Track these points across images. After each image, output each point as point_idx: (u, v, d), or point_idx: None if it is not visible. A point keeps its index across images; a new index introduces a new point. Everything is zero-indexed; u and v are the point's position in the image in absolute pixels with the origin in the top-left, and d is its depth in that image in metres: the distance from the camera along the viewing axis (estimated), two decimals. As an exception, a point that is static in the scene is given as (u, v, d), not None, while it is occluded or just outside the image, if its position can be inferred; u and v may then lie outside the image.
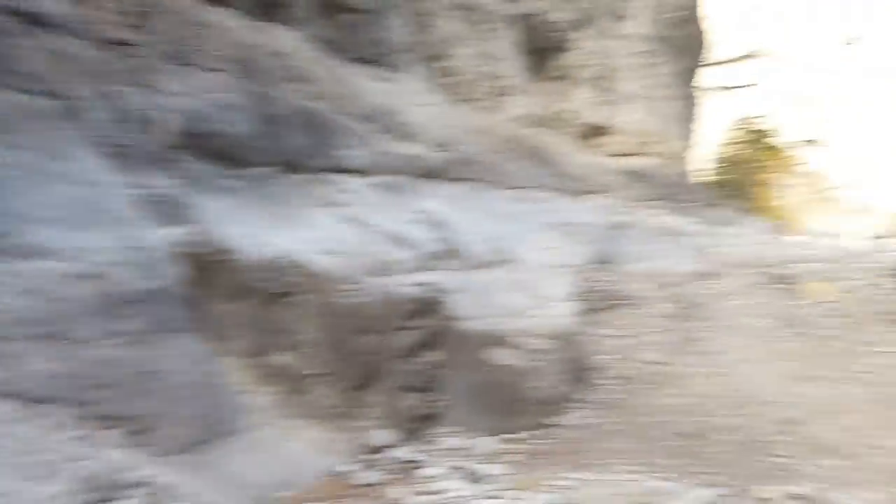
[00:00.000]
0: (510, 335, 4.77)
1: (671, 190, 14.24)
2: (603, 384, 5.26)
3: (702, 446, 4.33)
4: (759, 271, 8.45)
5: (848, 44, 61.21)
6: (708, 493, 3.67)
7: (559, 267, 6.25)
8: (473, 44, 10.10)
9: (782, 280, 8.22)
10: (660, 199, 13.25)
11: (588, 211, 8.05)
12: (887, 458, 4.17)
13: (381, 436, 4.24)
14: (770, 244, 12.51)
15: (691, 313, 6.91)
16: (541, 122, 12.47)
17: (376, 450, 4.18)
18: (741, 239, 13.18)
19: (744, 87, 63.83)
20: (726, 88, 55.38)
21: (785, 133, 58.87)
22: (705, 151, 36.35)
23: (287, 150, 4.89)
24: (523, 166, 8.51)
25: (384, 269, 4.61)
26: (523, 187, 7.52)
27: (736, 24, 65.76)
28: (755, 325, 6.81)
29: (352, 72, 6.66)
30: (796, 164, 61.69)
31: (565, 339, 5.14)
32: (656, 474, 3.93)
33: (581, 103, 13.66)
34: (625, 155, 14.37)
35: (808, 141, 61.96)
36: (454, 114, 7.89)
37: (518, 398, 4.60)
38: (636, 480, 3.81)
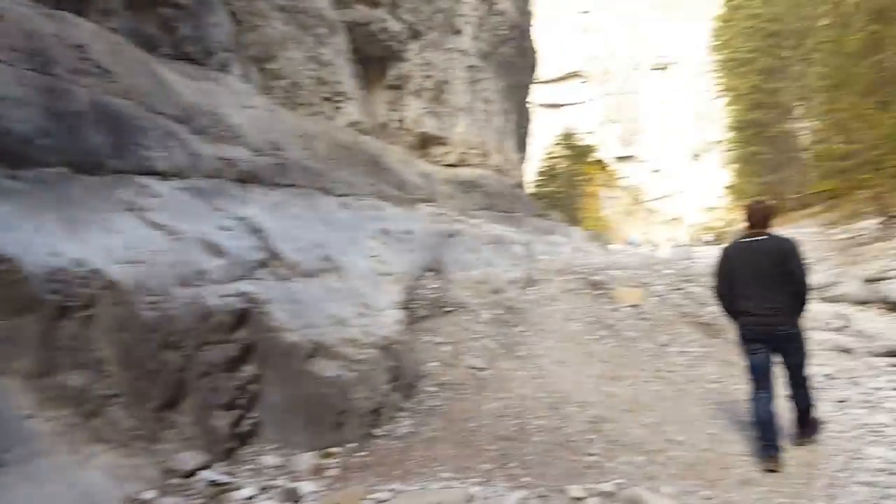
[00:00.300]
0: (333, 345, 4.62)
1: (500, 200, 14.78)
2: (429, 392, 5.26)
3: (521, 448, 4.44)
4: (577, 278, 8.96)
5: (663, 68, 67.58)
6: (525, 494, 3.76)
7: (387, 275, 6.19)
8: (303, 47, 9.85)
9: (597, 286, 8.77)
10: (489, 209, 13.69)
11: (419, 219, 8.09)
12: (683, 452, 4.51)
13: (189, 458, 3.93)
14: (589, 253, 13.38)
15: (514, 318, 7.16)
16: (375, 130, 12.44)
17: (185, 473, 3.86)
18: (563, 247, 13.95)
19: (569, 104, 68.18)
20: (553, 106, 58.86)
21: (605, 148, 63.69)
22: (534, 164, 38.44)
23: (82, 148, 4.41)
24: (354, 174, 8.40)
25: (195, 279, 4.29)
26: (353, 195, 7.40)
27: (563, 45, 70.17)
28: (572, 329, 7.19)
29: (167, 69, 6.20)
30: (616, 178, 66.98)
31: (391, 348, 5.07)
32: (477, 479, 3.96)
33: (415, 113, 13.80)
34: (456, 165, 14.71)
35: (627, 157, 67.53)
36: (280, 118, 7.61)
37: (341, 410, 4.45)
38: (456, 487, 3.82)
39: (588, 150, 40.56)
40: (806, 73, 31.76)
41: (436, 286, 7.03)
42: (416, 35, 13.64)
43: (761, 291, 4.61)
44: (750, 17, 37.09)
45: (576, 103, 71.00)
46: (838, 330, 12.16)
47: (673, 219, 66.11)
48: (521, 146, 23.63)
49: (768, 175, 37.05)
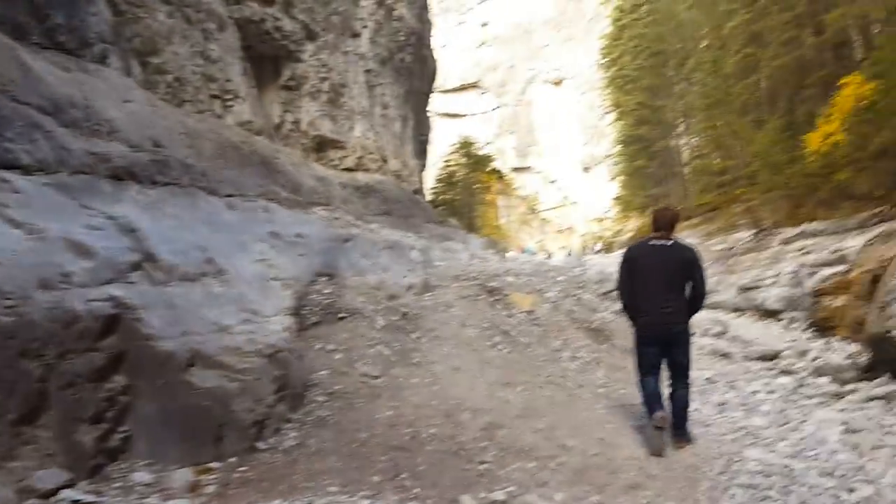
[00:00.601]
0: (213, 354, 4.31)
1: (398, 206, 14.66)
2: (318, 402, 5.03)
3: (413, 459, 4.30)
4: (473, 284, 8.95)
5: (555, 83, 69.79)
6: (416, 506, 3.62)
7: (276, 280, 5.90)
8: (190, 42, 9.36)
9: (492, 292, 8.79)
10: (387, 215, 13.54)
11: (313, 223, 7.82)
12: (572, 458, 4.52)
13: (50, 476, 3.52)
14: (486, 259, 13.48)
15: (410, 325, 7.03)
16: (268, 131, 12.02)
17: (45, 493, 3.46)
18: (461, 254, 14.00)
19: (467, 115, 69.17)
20: (451, 115, 59.52)
21: (502, 159, 65.04)
22: (433, 172, 38.67)
23: (-79, 135, 3.90)
24: (243, 174, 8.02)
25: (58, 282, 3.88)
26: (241, 196, 7.04)
27: (461, 56, 71.09)
28: (468, 335, 7.14)
29: (36, 58, 5.66)
30: (512, 188, 68.47)
31: (278, 357, 4.80)
32: (366, 493, 3.78)
33: (311, 115, 13.47)
34: (354, 170, 14.47)
35: (523, 167, 69.23)
36: (162, 113, 7.14)
37: (220, 423, 4.15)
38: (344, 501, 3.63)
39: (486, 159, 41.28)
40: (688, 92, 33.72)
41: (329, 292, 6.80)
42: (311, 36, 13.31)
43: (661, 293, 4.94)
44: (635, 36, 38.98)
45: (474, 114, 72.18)
46: (717, 335, 12.85)
47: (566, 228, 68.36)
48: (421, 153, 23.64)
49: (653, 188, 38.99)
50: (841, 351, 11.29)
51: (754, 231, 23.02)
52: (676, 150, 37.52)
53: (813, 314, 13.75)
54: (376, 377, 5.56)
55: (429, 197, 29.43)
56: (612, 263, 29.53)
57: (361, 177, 14.36)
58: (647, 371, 5.17)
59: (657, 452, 4.76)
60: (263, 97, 12.82)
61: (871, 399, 7.01)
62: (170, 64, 8.99)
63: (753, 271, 19.12)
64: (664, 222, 5.13)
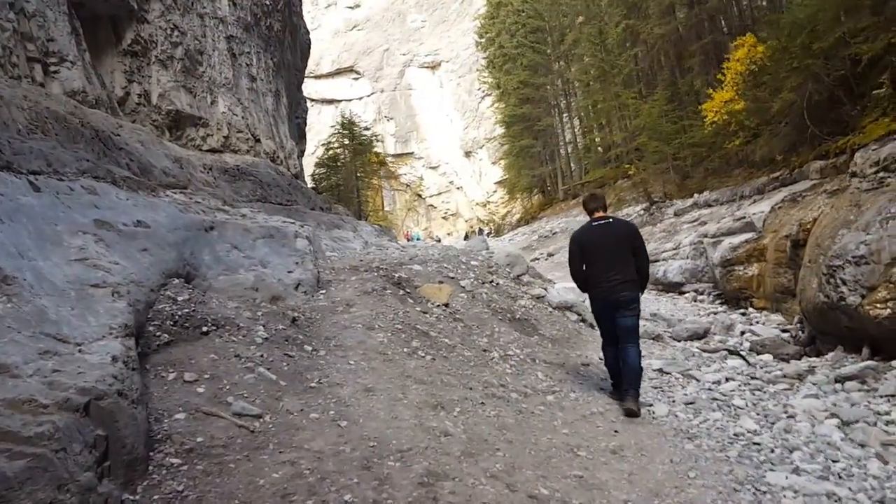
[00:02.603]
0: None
1: (276, 191, 12.75)
2: (171, 467, 3.30)
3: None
4: (376, 276, 7.38)
5: (432, 67, 68.79)
6: None
7: (101, 287, 4.08)
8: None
9: (400, 284, 7.26)
10: (263, 201, 11.64)
11: (162, 207, 5.94)
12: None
13: None
14: (383, 247, 11.89)
15: (302, 334, 5.37)
16: (106, 104, 9.80)
17: None
18: (353, 243, 12.33)
19: (344, 100, 66.88)
20: (327, 101, 57.06)
21: (383, 145, 63.34)
22: (312, 159, 36.33)
23: None
24: (66, 150, 6.00)
25: None
26: (56, 174, 5.09)
27: (335, 40, 68.59)
28: (378, 341, 5.57)
29: None
30: (395, 175, 66.99)
31: (99, 406, 3.06)
32: None
33: (163, 86, 11.30)
34: (220, 151, 12.43)
35: (404, 153, 67.87)
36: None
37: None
38: None
39: (369, 142, 39.26)
40: (569, 68, 33.47)
41: (186, 298, 5.01)
42: (161, -9, 11.14)
43: (611, 265, 5.37)
44: (512, 13, 38.40)
45: (350, 99, 69.86)
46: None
47: (451, 214, 67.68)
48: (299, 135, 21.62)
49: (539, 168, 38.70)
50: (767, 323, 10.70)
51: (645, 205, 22.83)
52: (560, 128, 37.36)
53: (724, 285, 13.23)
54: (258, 416, 3.89)
55: (310, 183, 27.28)
56: (517, 244, 28.67)
57: (230, 158, 12.34)
58: (607, 341, 5.66)
59: (630, 407, 5.09)
60: (101, 64, 10.52)
61: (842, 380, 6.13)
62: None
63: (650, 245, 18.64)
64: (599, 204, 5.73)
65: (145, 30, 11.01)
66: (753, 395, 5.86)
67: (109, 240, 4.67)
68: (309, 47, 22.39)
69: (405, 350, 5.47)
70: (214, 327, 4.86)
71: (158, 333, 4.49)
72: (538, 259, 25.31)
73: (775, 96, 14.22)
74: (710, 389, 5.96)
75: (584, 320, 9.56)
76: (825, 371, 6.72)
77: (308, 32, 22.37)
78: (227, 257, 6.08)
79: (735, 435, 4.56)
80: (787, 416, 5.12)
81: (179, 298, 4.95)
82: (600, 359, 7.11)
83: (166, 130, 11.34)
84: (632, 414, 5.00)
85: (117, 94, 10.53)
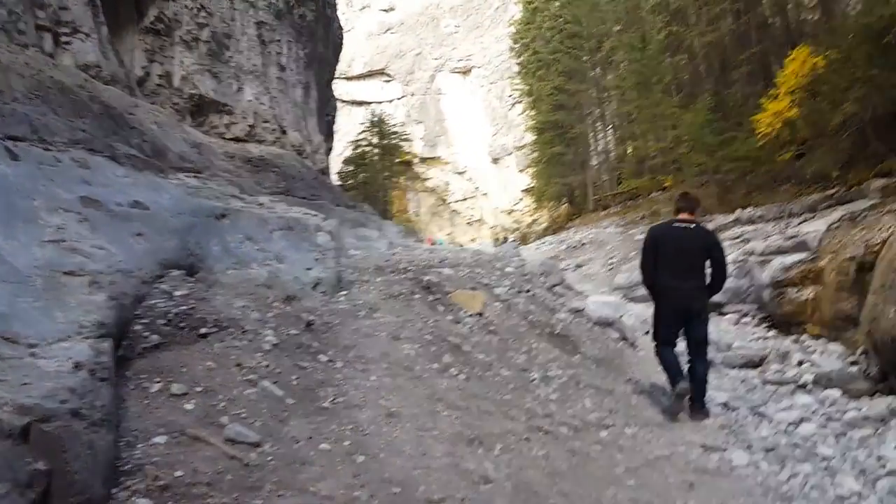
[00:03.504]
0: None
1: (301, 184, 12.08)
2: (139, 509, 2.56)
3: None
4: (403, 278, 6.62)
5: (464, 72, 68.22)
6: None
7: (77, 275, 3.37)
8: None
9: (430, 289, 6.49)
10: (287, 194, 10.96)
11: (167, 189, 5.25)
12: None
13: None
14: (410, 248, 11.14)
15: (317, 341, 4.61)
16: (126, 82, 9.20)
17: None
18: (378, 242, 11.60)
19: (374, 102, 66.59)
20: (357, 103, 56.74)
21: (411, 148, 62.87)
22: (342, 154, 35.76)
23: None
24: (62, 119, 5.34)
25: None
26: (41, 141, 4.41)
27: (368, 42, 68.38)
28: (404, 354, 4.80)
29: None
30: (422, 178, 66.41)
31: (44, 431, 2.34)
32: None
33: (186, 69, 10.68)
34: (244, 140, 11.79)
35: (432, 157, 67.30)
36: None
37: None
38: None
39: (398, 141, 38.43)
40: (605, 75, 32.58)
41: (185, 294, 4.28)
42: (187, -33, 10.55)
43: (686, 270, 5.27)
44: (549, 17, 37.57)
45: (380, 102, 69.43)
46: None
47: (476, 220, 66.85)
48: (328, 133, 21.03)
49: (569, 176, 37.77)
50: (826, 353, 9.74)
51: (682, 219, 21.81)
52: (593, 137, 36.41)
53: (774, 308, 12.27)
54: (256, 444, 3.13)
55: (337, 179, 26.65)
56: (544, 253, 27.86)
57: (254, 148, 11.70)
58: (665, 342, 5.55)
59: (674, 416, 5.14)
60: (120, 41, 9.93)
61: (941, 425, 5.24)
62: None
63: (688, 261, 17.64)
64: (687, 205, 5.49)
65: (169, 7, 10.41)
66: (838, 441, 5.00)
67: (97, 220, 3.96)
68: (341, 43, 21.79)
69: (435, 366, 4.70)
70: (215, 329, 4.12)
71: (146, 334, 3.76)
72: (566, 270, 24.44)
73: (834, 108, 13.27)
74: (787, 433, 5.10)
75: (625, 338, 8.72)
76: (912, 414, 5.82)
77: (341, 28, 21.78)
78: (238, 249, 5.37)
79: (839, 497, 3.71)
80: (887, 473, 4.26)
81: (177, 293, 4.23)
82: (651, 385, 6.31)
83: (188, 115, 10.73)
84: (696, 416, 5.20)
85: (136, 73, 9.93)
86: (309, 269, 5.71)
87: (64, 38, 8.14)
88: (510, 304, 7.21)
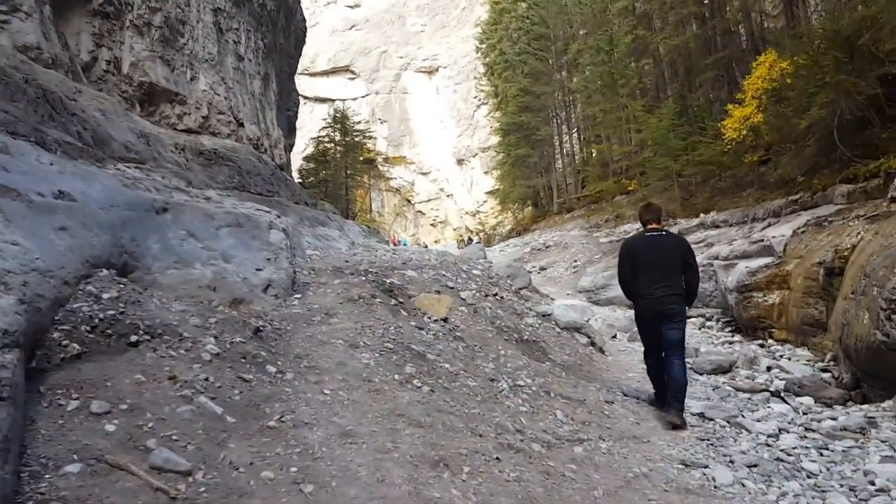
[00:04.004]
0: None
1: (257, 180, 11.54)
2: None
3: None
4: (364, 280, 6.19)
5: (429, 72, 67.84)
6: None
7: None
8: None
9: (392, 292, 6.09)
10: (241, 189, 10.43)
11: (99, 179, 4.74)
12: None
13: None
14: (370, 249, 10.69)
15: (266, 350, 4.17)
16: (69, 66, 8.60)
17: None
18: (339, 242, 11.15)
19: (337, 99, 65.81)
20: (321, 100, 55.96)
21: (375, 147, 62.23)
22: (304, 151, 34.91)
23: None
24: (4, 107, 4.81)
25: None
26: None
27: (332, 38, 67.54)
28: (362, 364, 4.38)
29: None
30: (385, 178, 65.86)
31: None
32: None
33: (137, 55, 10.08)
34: (197, 132, 11.22)
35: (396, 157, 66.78)
36: None
37: None
38: None
39: (362, 138, 37.57)
40: (571, 78, 32.51)
41: (113, 296, 3.81)
42: (137, -54, 9.94)
43: (660, 278, 5.34)
44: (516, 18, 37.42)
45: (344, 99, 68.59)
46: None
47: (440, 221, 66.52)
48: (290, 128, 20.45)
49: (534, 179, 37.67)
50: (794, 358, 9.62)
51: (646, 222, 21.76)
52: (558, 139, 36.35)
53: (739, 312, 12.16)
54: (186, 473, 2.70)
55: (296, 178, 25.97)
56: (508, 255, 27.51)
57: (207, 141, 11.13)
58: (649, 349, 5.68)
59: (676, 422, 5.10)
60: (65, 23, 9.29)
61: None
62: None
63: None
64: (653, 215, 5.63)
65: (119, -10, 9.80)
66: (822, 455, 4.75)
67: (11, 212, 3.47)
68: (304, 35, 21.22)
69: (397, 377, 4.30)
70: (148, 337, 3.66)
71: (66, 343, 3.29)
72: (531, 272, 24.25)
73: (800, 114, 13.25)
74: (768, 445, 4.83)
75: (593, 344, 8.47)
76: (891, 425, 5.64)
77: (304, 20, 21.21)
78: (180, 247, 4.89)
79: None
80: (877, 490, 4.01)
81: (105, 296, 3.75)
82: (624, 395, 6.02)
83: (137, 104, 10.12)
84: (676, 427, 5.04)
85: (83, 58, 9.30)
86: (259, 269, 5.26)
87: (1, 17, 7.54)
88: (477, 308, 6.86)
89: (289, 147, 27.64)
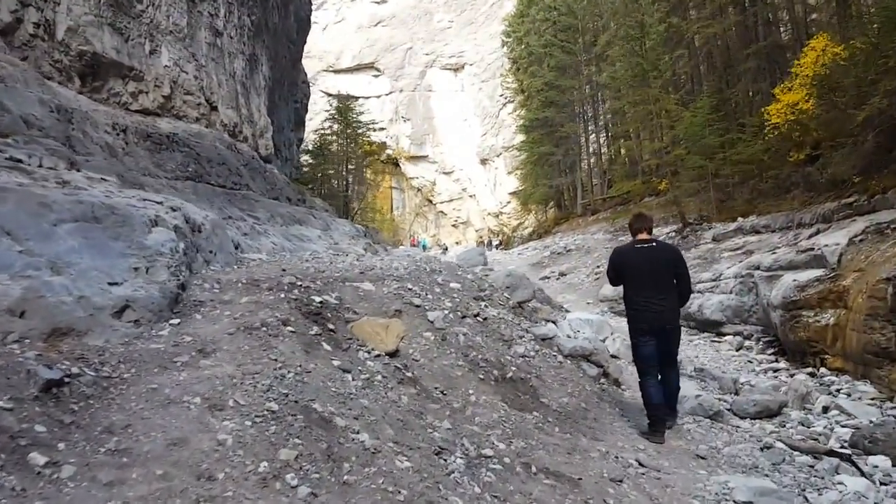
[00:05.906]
0: None
1: (219, 170, 9.99)
2: None
3: None
4: (282, 298, 4.55)
5: (455, 69, 66.22)
6: None
7: None
8: None
9: (320, 315, 4.45)
10: (195, 180, 8.90)
11: None
12: None
13: None
14: (342, 253, 9.07)
15: (54, 422, 2.58)
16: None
17: None
18: (314, 244, 9.56)
19: (361, 97, 64.49)
20: (348, 97, 54.56)
21: (402, 145, 60.77)
22: (308, 145, 33.23)
23: None
24: None
25: None
26: None
27: (357, 35, 66.37)
28: (211, 445, 2.75)
29: None
30: (407, 177, 64.39)
31: None
32: None
33: (75, 19, 8.61)
34: (155, 113, 9.74)
35: (418, 156, 65.28)
36: None
37: None
38: None
39: (365, 130, 35.57)
40: (599, 72, 30.60)
41: None
42: None
43: (655, 291, 5.22)
44: (543, 9, 35.61)
45: (368, 97, 67.31)
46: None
47: (462, 222, 64.81)
48: (297, 122, 18.99)
49: (557, 178, 35.81)
50: (856, 394, 7.80)
51: (678, 226, 19.88)
52: (584, 137, 34.43)
53: (785, 333, 10.31)
54: None
55: (289, 171, 24.39)
56: (526, 259, 25.79)
57: (166, 124, 9.64)
58: (649, 366, 5.33)
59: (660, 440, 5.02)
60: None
61: None
62: None
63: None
64: (644, 225, 5.49)
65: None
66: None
67: None
68: (309, 20, 19.78)
69: (261, 469, 2.65)
70: None
71: None
72: (548, 278, 22.54)
73: (857, 105, 11.36)
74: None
75: (606, 375, 6.74)
76: None
77: (310, 2, 19.67)
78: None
79: None
80: None
81: None
82: (639, 462, 4.35)
83: (77, 78, 8.65)
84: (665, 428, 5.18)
85: (2, 18, 7.84)
86: (115, 283, 3.67)
87: None
88: (447, 334, 5.20)
89: (298, 142, 26.18)
